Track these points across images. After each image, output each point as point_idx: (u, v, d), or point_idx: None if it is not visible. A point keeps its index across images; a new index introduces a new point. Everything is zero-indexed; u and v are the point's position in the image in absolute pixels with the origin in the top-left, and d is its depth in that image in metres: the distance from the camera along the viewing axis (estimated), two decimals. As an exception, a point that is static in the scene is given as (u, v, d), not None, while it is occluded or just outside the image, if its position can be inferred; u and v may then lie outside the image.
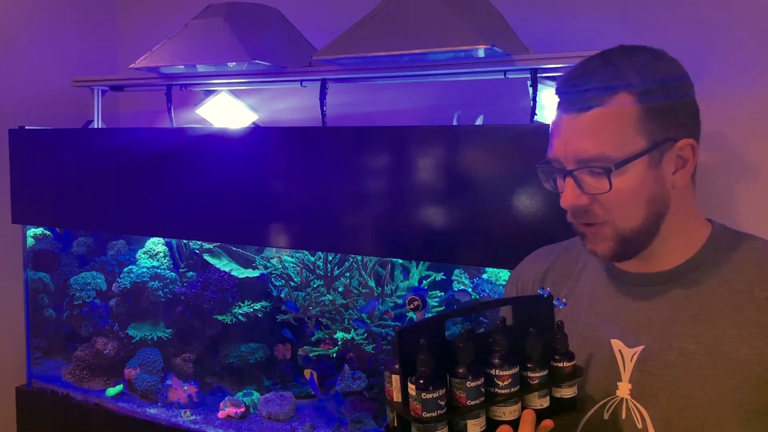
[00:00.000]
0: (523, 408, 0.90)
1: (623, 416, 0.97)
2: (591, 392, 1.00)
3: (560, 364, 0.93)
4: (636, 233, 0.95)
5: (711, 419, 0.91)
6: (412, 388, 0.85)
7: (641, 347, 0.97)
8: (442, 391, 0.84)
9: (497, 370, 0.88)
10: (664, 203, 0.95)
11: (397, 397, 0.88)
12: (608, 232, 0.95)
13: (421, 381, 0.84)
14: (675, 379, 0.94)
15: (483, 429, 0.88)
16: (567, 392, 0.93)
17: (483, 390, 0.87)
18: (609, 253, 0.96)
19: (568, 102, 0.94)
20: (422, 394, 0.83)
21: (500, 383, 0.88)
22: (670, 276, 0.99)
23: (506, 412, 0.88)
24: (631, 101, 0.91)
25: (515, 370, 0.89)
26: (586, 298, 1.05)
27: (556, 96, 0.97)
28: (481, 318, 1.77)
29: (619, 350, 0.99)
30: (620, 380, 0.98)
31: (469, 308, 1.02)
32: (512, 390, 0.88)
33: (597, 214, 0.95)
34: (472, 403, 0.86)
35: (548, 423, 0.90)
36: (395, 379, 0.88)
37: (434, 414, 0.84)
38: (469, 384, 0.86)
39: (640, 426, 0.95)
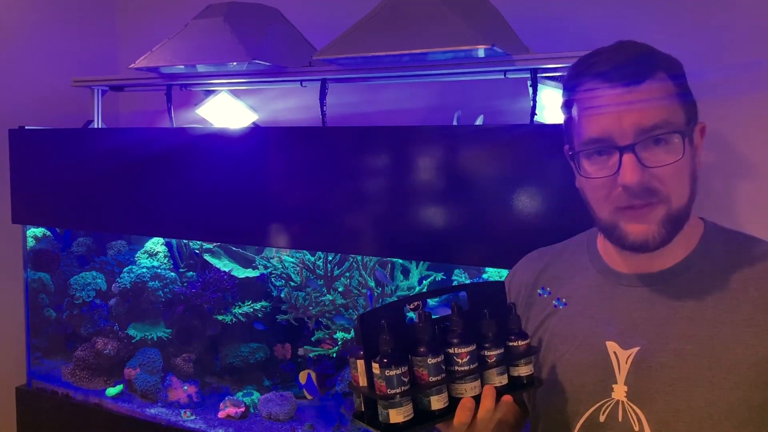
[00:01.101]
0: (483, 386, 0.95)
1: (620, 419, 0.96)
2: (586, 395, 1.00)
3: (515, 343, 0.98)
4: (681, 213, 0.94)
5: (708, 420, 0.91)
6: (376, 368, 0.89)
7: (637, 348, 0.97)
8: (404, 368, 0.89)
9: (456, 348, 0.93)
10: (697, 184, 0.96)
11: (362, 381, 0.92)
12: (660, 213, 0.93)
13: (384, 360, 0.89)
14: (671, 380, 0.93)
15: (446, 405, 0.93)
16: (523, 370, 0.98)
17: (444, 368, 0.92)
18: (657, 239, 0.94)
19: (611, 76, 0.92)
20: (386, 372, 0.88)
21: (459, 360, 0.93)
22: (664, 276, 0.99)
23: (467, 389, 0.94)
24: (668, 79, 0.93)
25: (472, 347, 0.94)
26: (581, 301, 1.05)
27: (593, 75, 0.94)
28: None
29: (614, 352, 0.98)
30: (615, 382, 0.97)
31: (427, 293, 1.07)
32: (471, 367, 0.93)
33: (657, 191, 0.92)
34: (434, 379, 0.91)
35: (507, 398, 0.94)
36: (360, 364, 0.93)
37: (398, 390, 0.89)
38: (430, 360, 0.91)
39: (637, 428, 0.95)
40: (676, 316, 0.96)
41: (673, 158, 0.91)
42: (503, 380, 0.96)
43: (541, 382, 1.02)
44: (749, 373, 0.90)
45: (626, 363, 0.97)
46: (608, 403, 0.98)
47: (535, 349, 1.01)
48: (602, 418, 0.98)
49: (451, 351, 0.93)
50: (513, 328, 0.99)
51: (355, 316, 1.94)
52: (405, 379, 0.89)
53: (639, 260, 0.99)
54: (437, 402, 0.92)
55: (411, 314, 1.81)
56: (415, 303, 1.61)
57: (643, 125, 0.90)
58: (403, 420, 0.90)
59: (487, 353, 0.96)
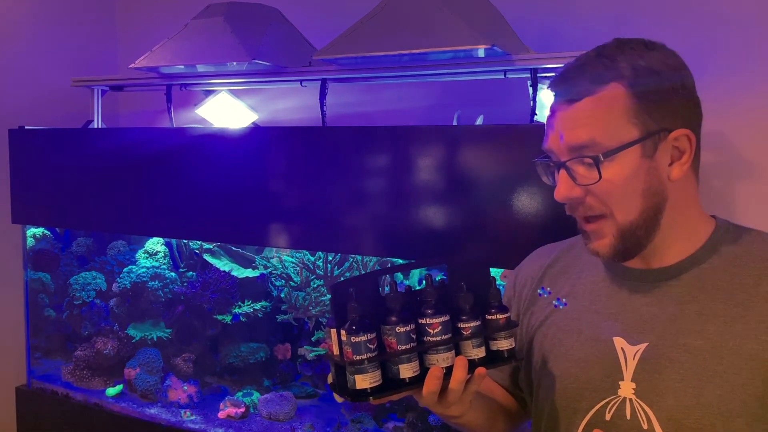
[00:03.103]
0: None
1: (628, 417, 0.95)
2: (591, 391, 0.99)
3: (494, 317, 0.99)
4: (635, 227, 0.94)
5: (720, 416, 0.89)
6: (343, 335, 0.92)
7: (644, 344, 0.96)
8: (371, 335, 0.92)
9: (427, 319, 0.95)
10: (662, 195, 0.95)
11: (336, 350, 0.95)
12: (608, 228, 0.95)
13: (353, 327, 0.91)
14: (681, 376, 0.92)
15: (416, 374, 0.94)
16: (503, 344, 0.99)
17: (414, 337, 0.94)
18: (610, 250, 0.96)
19: (560, 93, 0.95)
20: (352, 338, 0.91)
21: (431, 331, 0.94)
22: (673, 272, 0.98)
23: (439, 359, 0.95)
24: (622, 91, 0.91)
25: (444, 318, 0.95)
26: (587, 296, 1.05)
27: (550, 90, 0.98)
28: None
29: (622, 348, 0.97)
30: (622, 379, 0.96)
31: (404, 266, 1.08)
32: (443, 337, 0.95)
33: (592, 207, 0.95)
34: (402, 347, 0.93)
35: (481, 370, 0.94)
36: (333, 332, 0.95)
37: (364, 356, 0.91)
38: (398, 329, 0.93)
39: (645, 426, 0.93)
40: (685, 311, 0.95)
41: (592, 180, 0.92)
42: (480, 353, 0.97)
43: (522, 357, 1.03)
44: (762, 370, 0.89)
45: (634, 359, 0.96)
46: (614, 401, 0.96)
47: (515, 323, 1.02)
48: (608, 416, 0.96)
49: (423, 321, 0.95)
50: (492, 302, 1.00)
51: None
52: (371, 346, 0.91)
53: (646, 256, 0.98)
54: (406, 370, 0.94)
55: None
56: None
57: (572, 145, 0.93)
58: (370, 386, 0.92)
59: (462, 325, 0.97)
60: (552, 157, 0.98)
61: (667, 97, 0.93)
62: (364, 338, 0.91)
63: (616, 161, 0.91)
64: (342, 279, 1.87)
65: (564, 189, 0.95)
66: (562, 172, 0.95)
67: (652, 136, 0.92)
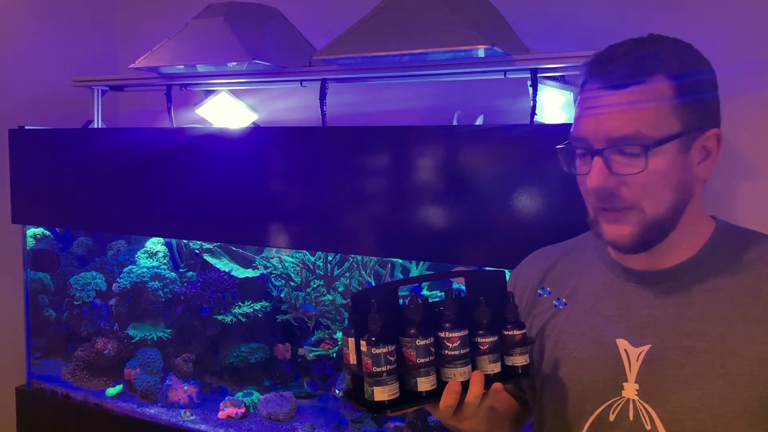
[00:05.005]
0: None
1: (631, 417, 0.95)
2: (595, 393, 0.99)
3: (511, 332, 0.99)
4: (661, 220, 0.93)
5: (722, 418, 0.89)
6: (363, 345, 0.91)
7: (648, 346, 0.96)
8: (391, 348, 0.91)
9: (446, 333, 0.94)
10: (689, 192, 0.95)
11: (353, 359, 0.94)
12: (634, 218, 0.93)
13: (372, 338, 0.90)
14: (684, 378, 0.92)
15: (433, 387, 0.93)
16: (519, 360, 0.99)
17: (433, 350, 0.93)
18: (629, 241, 0.94)
19: (602, 78, 0.92)
20: (372, 350, 0.90)
21: (450, 345, 0.94)
22: (675, 273, 0.98)
23: (456, 373, 0.94)
24: (667, 84, 0.90)
25: (463, 332, 0.95)
26: (590, 298, 1.04)
27: (586, 74, 0.95)
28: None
29: (625, 349, 0.97)
30: (626, 380, 0.96)
31: (422, 277, 1.07)
32: (461, 351, 0.94)
33: (624, 198, 0.93)
34: (422, 360, 0.92)
35: (497, 386, 0.94)
36: (351, 341, 0.94)
37: (383, 368, 0.90)
38: (419, 342, 0.92)
39: (648, 427, 0.93)
40: (686, 313, 0.95)
41: (635, 170, 0.90)
42: (495, 368, 0.97)
43: (536, 372, 1.03)
44: (763, 371, 0.89)
45: (637, 361, 0.96)
46: (618, 402, 0.96)
47: (531, 339, 1.02)
48: (612, 417, 0.96)
49: (442, 335, 0.94)
50: (510, 317, 0.99)
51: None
52: (392, 359, 0.91)
53: (647, 257, 0.98)
54: (424, 384, 0.93)
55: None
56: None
57: (613, 134, 0.90)
58: (388, 398, 0.91)
59: (480, 340, 0.96)
60: (580, 144, 0.95)
61: (705, 94, 0.93)
62: (384, 350, 0.90)
63: (658, 153, 0.90)
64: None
65: (598, 178, 0.92)
66: (597, 160, 0.92)
67: (689, 132, 0.92)
